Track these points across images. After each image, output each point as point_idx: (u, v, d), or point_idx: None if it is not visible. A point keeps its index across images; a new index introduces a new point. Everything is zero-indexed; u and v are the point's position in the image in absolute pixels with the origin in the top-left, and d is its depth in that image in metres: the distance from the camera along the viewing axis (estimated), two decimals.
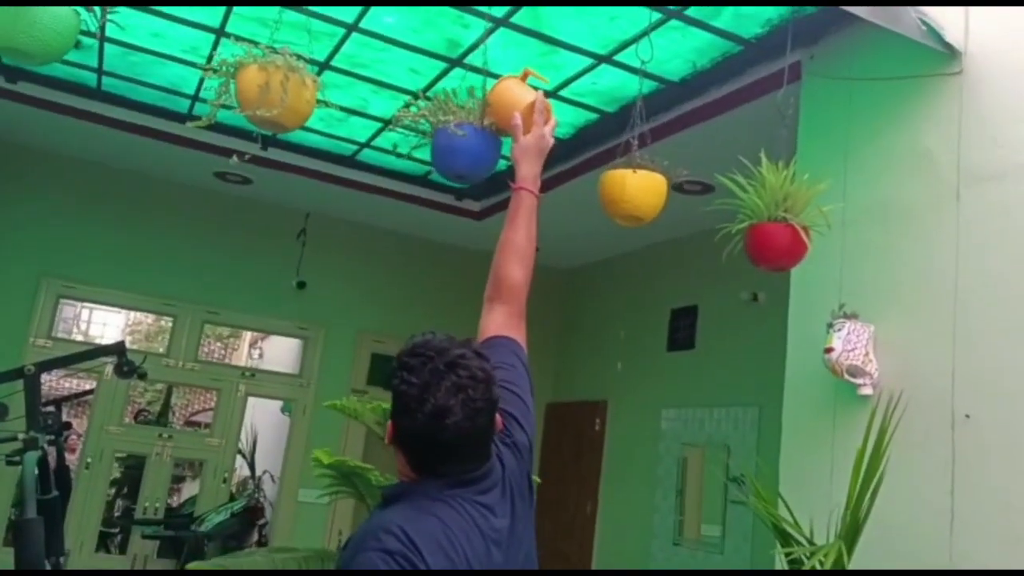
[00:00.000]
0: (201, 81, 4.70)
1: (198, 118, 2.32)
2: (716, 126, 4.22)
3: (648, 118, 4.31)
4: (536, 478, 2.57)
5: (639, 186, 2.73)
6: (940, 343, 2.76)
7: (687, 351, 5.77)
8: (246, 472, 8.79)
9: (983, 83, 2.86)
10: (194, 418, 11.86)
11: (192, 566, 2.04)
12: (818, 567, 2.18)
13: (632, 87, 4.20)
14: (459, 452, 1.39)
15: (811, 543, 2.34)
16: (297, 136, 5.35)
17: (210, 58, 4.26)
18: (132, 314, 12.33)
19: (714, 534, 5.08)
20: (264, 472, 7.99)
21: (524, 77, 2.30)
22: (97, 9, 2.23)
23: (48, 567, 2.45)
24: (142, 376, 3.66)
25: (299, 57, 2.20)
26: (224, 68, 2.18)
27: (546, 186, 5.88)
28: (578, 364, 6.97)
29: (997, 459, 2.52)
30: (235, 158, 2.49)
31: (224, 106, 2.20)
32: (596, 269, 7.08)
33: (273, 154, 5.50)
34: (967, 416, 2.61)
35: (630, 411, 6.18)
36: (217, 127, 4.87)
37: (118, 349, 3.60)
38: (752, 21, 3.54)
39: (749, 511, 4.49)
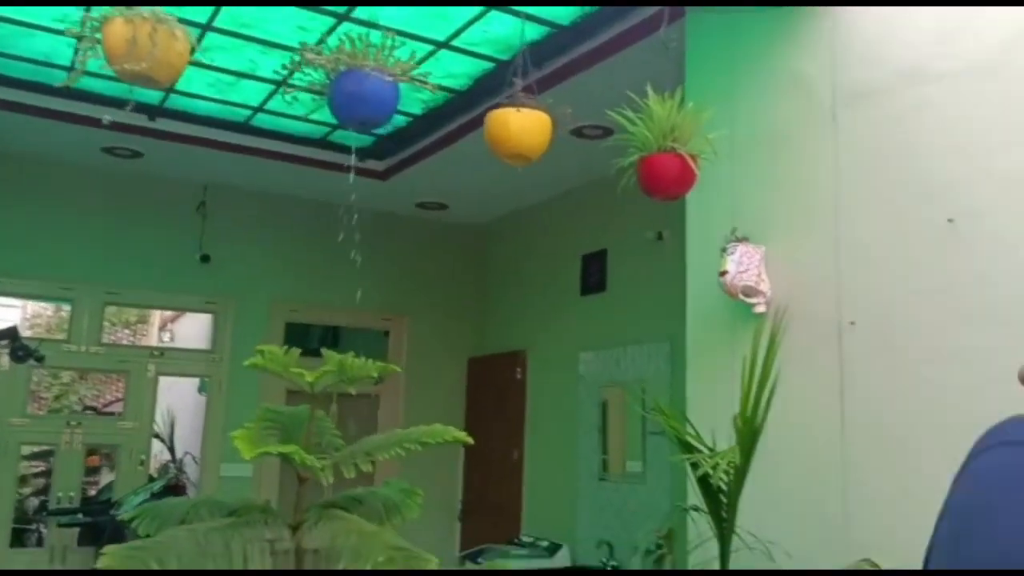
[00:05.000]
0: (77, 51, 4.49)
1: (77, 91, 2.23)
2: (610, 67, 4.27)
3: (542, 63, 4.36)
4: (465, 435, 2.56)
5: (523, 125, 2.77)
6: (825, 258, 2.90)
7: (599, 294, 5.89)
8: (167, 457, 8.60)
9: (851, 7, 2.98)
10: (107, 409, 11.50)
11: (108, 550, 2.01)
12: (716, 469, 2.30)
13: (525, 33, 4.21)
14: None
15: (711, 450, 2.46)
16: (186, 104, 5.18)
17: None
18: (30, 307, 11.80)
19: (638, 470, 5.24)
20: (186, 454, 7.83)
21: None
22: None
23: None
24: (39, 359, 3.56)
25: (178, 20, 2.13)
26: (88, 24, 2.10)
27: (448, 140, 5.89)
28: (497, 317, 7.04)
29: (880, 362, 2.68)
30: (107, 118, 2.40)
31: (88, 73, 2.12)
32: (507, 222, 7.12)
33: (162, 124, 5.32)
34: (852, 323, 2.76)
35: (549, 357, 6.28)
36: (99, 99, 4.71)
37: (10, 334, 3.47)
38: None
39: (667, 442, 4.66)
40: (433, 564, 1.76)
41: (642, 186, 2.84)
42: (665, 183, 2.79)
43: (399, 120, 5.51)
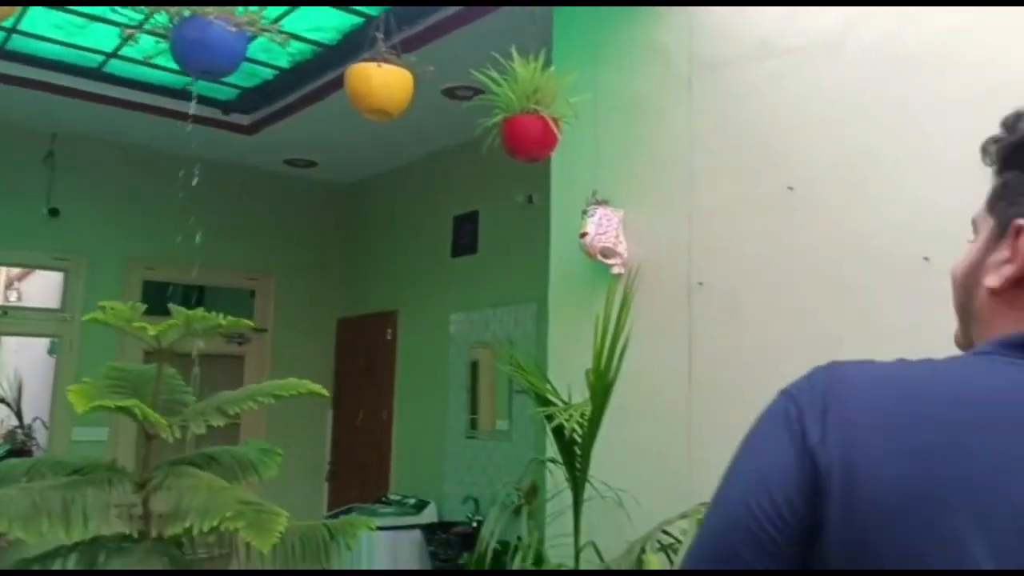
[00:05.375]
0: None
1: None
2: (481, 28, 4.26)
3: (413, 20, 4.31)
4: (320, 388, 2.55)
5: (384, 81, 2.75)
6: (678, 221, 3.04)
7: (470, 256, 5.93)
8: (14, 422, 8.11)
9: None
10: None
11: None
12: (570, 420, 2.40)
13: None
14: None
15: (567, 404, 2.56)
16: (31, 46, 4.83)
17: None
18: None
19: (506, 428, 5.37)
20: (35, 419, 7.41)
21: None
22: None
23: None
24: None
25: None
26: None
27: (317, 95, 5.76)
28: (367, 277, 6.97)
29: (725, 322, 2.85)
30: None
31: None
32: (378, 182, 7.04)
33: (3, 67, 4.94)
34: (700, 284, 2.91)
35: (420, 318, 6.30)
36: None
37: None
38: None
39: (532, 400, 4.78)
40: (284, 519, 1.76)
41: (505, 147, 2.88)
42: (527, 144, 2.84)
43: (265, 73, 5.33)
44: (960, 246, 0.89)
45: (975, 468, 0.61)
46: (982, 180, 0.79)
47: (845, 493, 0.63)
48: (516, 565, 2.57)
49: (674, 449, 2.86)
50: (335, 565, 2.17)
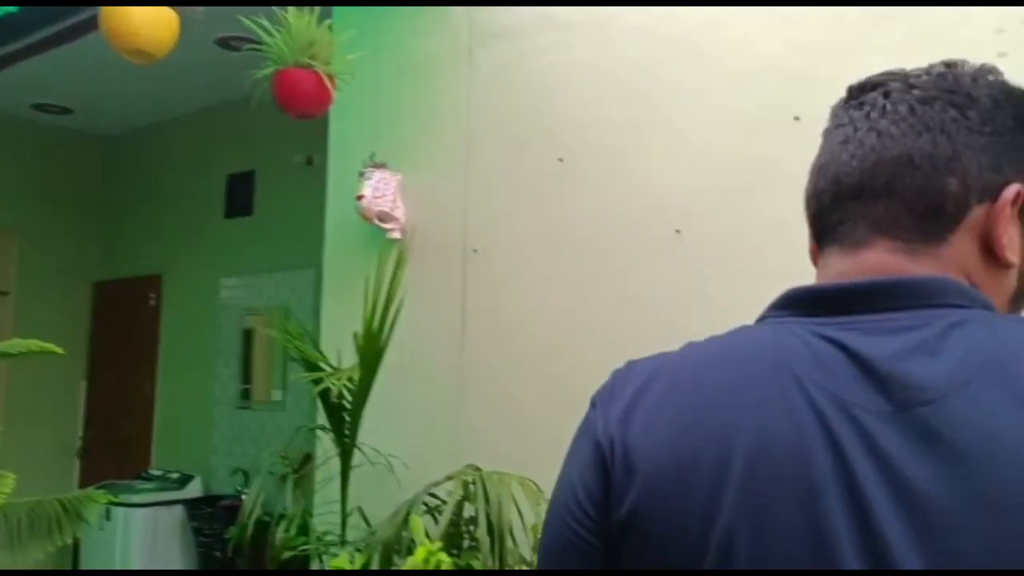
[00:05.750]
0: None
1: None
2: None
3: None
4: (52, 347, 2.32)
5: (145, 19, 2.52)
6: (455, 188, 3.05)
7: (245, 217, 5.64)
8: None
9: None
10: None
11: None
12: (337, 383, 2.35)
13: None
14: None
15: (335, 369, 2.50)
16: None
17: None
18: None
19: (280, 398, 5.20)
20: None
21: None
22: None
23: None
24: None
25: None
26: None
27: (73, 33, 5.20)
28: (128, 238, 6.44)
29: (499, 286, 2.91)
30: None
31: None
32: (143, 135, 6.50)
33: None
34: (475, 251, 2.95)
35: (188, 283, 5.92)
36: None
37: None
38: None
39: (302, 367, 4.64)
40: (10, 480, 1.58)
41: (277, 101, 2.76)
42: (300, 99, 2.73)
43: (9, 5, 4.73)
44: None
45: (727, 439, 0.64)
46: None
47: (622, 468, 0.68)
48: (280, 534, 2.49)
49: (445, 413, 2.89)
50: (81, 543, 1.99)
